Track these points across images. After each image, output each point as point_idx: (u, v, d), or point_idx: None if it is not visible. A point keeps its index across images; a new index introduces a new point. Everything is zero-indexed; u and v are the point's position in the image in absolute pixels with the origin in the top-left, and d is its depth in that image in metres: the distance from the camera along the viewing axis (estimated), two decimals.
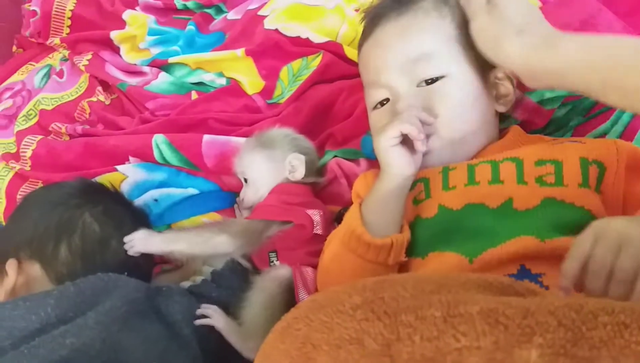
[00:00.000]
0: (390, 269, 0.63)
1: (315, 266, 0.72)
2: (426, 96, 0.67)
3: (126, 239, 0.75)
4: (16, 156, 0.98)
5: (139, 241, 0.75)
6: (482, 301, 0.39)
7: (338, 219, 0.77)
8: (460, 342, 0.37)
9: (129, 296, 0.68)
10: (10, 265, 0.70)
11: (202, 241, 0.74)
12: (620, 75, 0.50)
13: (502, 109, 0.71)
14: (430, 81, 0.67)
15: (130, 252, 0.74)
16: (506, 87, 0.70)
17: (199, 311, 0.72)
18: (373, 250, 0.61)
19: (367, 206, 0.65)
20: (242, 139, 0.88)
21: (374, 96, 0.73)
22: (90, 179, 0.85)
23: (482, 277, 0.44)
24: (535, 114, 0.78)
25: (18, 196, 0.94)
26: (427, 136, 0.65)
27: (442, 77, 0.67)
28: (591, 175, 0.61)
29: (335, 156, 0.86)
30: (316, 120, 0.91)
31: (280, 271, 0.72)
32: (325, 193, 0.84)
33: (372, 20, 0.74)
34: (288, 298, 0.71)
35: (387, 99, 0.71)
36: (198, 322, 0.71)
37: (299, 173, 0.80)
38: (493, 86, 0.70)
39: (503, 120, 0.76)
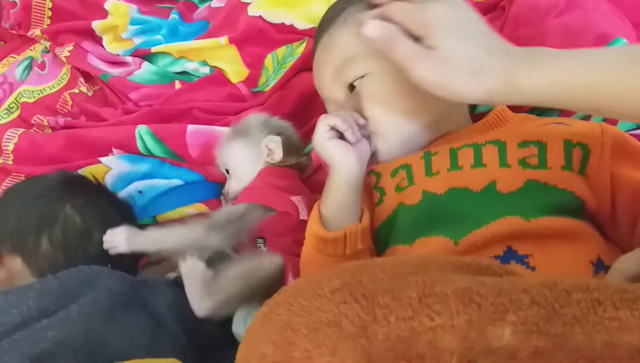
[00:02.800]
0: (351, 259, 0.62)
1: (299, 254, 0.72)
2: (355, 99, 0.68)
3: (106, 238, 0.72)
4: None
5: (121, 242, 0.72)
6: (457, 281, 0.39)
7: None
8: (434, 321, 0.36)
9: (113, 288, 0.67)
10: None
11: (187, 238, 0.74)
12: (583, 100, 0.49)
13: None
14: (358, 82, 0.68)
15: (112, 252, 0.72)
16: None
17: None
18: (329, 243, 0.62)
19: (323, 203, 0.66)
20: (225, 129, 0.87)
21: (329, 110, 0.75)
22: (72, 172, 0.84)
23: (460, 259, 0.44)
24: None
25: (0, 191, 0.93)
26: (368, 137, 0.66)
27: (362, 76, 0.67)
28: (575, 158, 0.61)
29: None
30: (302, 108, 0.91)
31: (271, 257, 0.71)
32: (311, 181, 0.84)
33: (313, 44, 0.77)
34: (271, 285, 0.71)
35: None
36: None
37: (277, 155, 0.79)
38: None
39: None
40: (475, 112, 0.76)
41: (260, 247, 0.75)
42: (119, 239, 0.72)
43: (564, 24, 0.79)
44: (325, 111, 0.88)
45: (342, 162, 0.63)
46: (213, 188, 0.88)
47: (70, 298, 0.64)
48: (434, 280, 0.39)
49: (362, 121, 0.66)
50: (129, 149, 0.89)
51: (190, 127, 0.88)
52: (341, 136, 0.65)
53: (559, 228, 0.55)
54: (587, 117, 0.71)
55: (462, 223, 0.57)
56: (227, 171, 0.82)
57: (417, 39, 0.53)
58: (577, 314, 0.33)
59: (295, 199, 0.76)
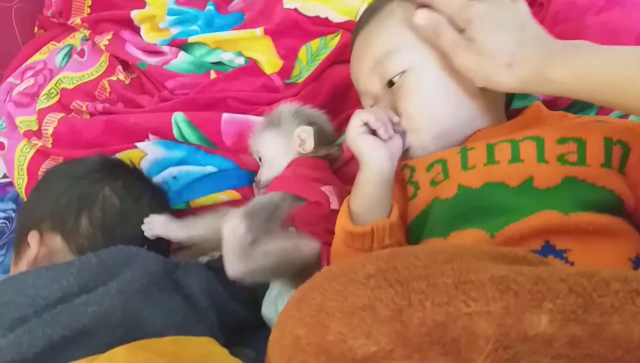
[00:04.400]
0: None
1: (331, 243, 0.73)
2: (393, 96, 0.68)
3: (146, 221, 0.77)
4: (38, 134, 1.00)
5: (159, 225, 0.76)
6: (494, 269, 0.39)
7: None
8: (470, 307, 0.37)
9: (149, 268, 0.69)
10: (33, 237, 0.72)
11: (218, 226, 0.75)
12: (616, 96, 0.51)
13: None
14: (397, 78, 0.68)
15: (148, 234, 0.76)
16: None
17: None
18: (356, 238, 0.62)
19: (352, 197, 0.66)
20: (260, 118, 0.89)
21: (363, 104, 0.76)
22: (110, 156, 0.87)
23: (495, 248, 0.44)
24: None
25: (40, 173, 0.96)
26: (402, 133, 0.67)
27: (403, 72, 0.68)
28: (614, 155, 0.60)
29: None
30: (335, 101, 0.91)
31: (309, 242, 0.72)
32: (342, 173, 0.85)
33: (352, 36, 0.78)
34: (305, 268, 0.71)
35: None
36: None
37: (309, 145, 0.80)
38: None
39: (525, 98, 0.75)
40: (510, 110, 0.76)
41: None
42: (157, 222, 0.76)
43: (604, 22, 0.78)
44: (358, 104, 0.89)
45: (372, 158, 0.64)
46: (245, 175, 0.89)
47: (109, 276, 0.66)
48: (470, 268, 0.40)
49: (396, 119, 0.67)
50: (165, 135, 0.91)
51: (225, 116, 0.89)
52: (374, 132, 0.65)
53: (598, 224, 0.55)
54: (624, 116, 0.71)
55: (499, 216, 0.57)
56: (260, 159, 0.83)
57: (460, 31, 0.59)
58: (615, 304, 0.33)
59: (326, 189, 0.77)
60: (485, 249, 0.44)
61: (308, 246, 0.71)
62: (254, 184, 0.88)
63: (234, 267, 0.69)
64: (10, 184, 1.03)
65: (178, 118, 0.90)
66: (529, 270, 0.37)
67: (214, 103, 0.96)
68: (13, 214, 1.03)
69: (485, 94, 0.68)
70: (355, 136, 0.65)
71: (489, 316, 0.36)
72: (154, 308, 0.66)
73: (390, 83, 0.69)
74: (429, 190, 0.66)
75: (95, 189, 0.76)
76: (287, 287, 0.72)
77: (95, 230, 0.74)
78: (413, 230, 0.67)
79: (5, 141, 1.02)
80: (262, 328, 0.74)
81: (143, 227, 0.76)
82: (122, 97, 1.03)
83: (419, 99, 0.67)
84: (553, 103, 0.77)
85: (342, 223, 0.64)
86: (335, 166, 0.85)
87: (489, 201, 0.59)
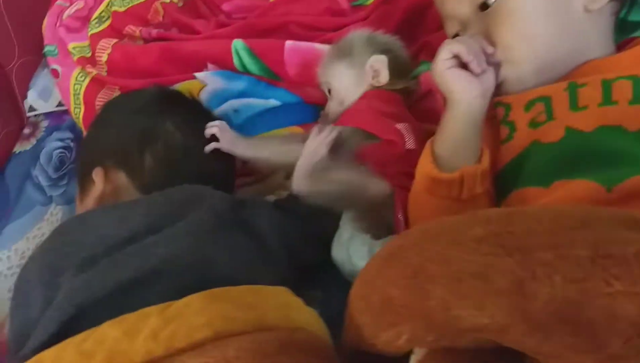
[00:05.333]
0: (468, 204, 0.58)
1: (405, 187, 0.68)
2: (486, 21, 0.62)
3: (215, 129, 0.73)
4: (92, 61, 0.96)
5: (225, 138, 0.73)
6: (636, 242, 0.34)
7: None
8: (613, 286, 0.32)
9: (216, 207, 0.66)
10: (97, 173, 0.70)
11: (286, 151, 0.71)
12: None
13: (594, 5, 0.60)
14: (493, 0, 0.60)
15: (209, 147, 0.73)
16: None
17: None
18: (442, 185, 0.57)
19: (436, 140, 0.60)
20: (326, 47, 0.81)
21: (447, 30, 0.69)
22: (169, 87, 0.82)
23: (629, 213, 0.38)
24: None
25: (96, 102, 0.92)
26: (497, 65, 0.60)
27: None
28: None
29: None
30: (409, 26, 0.83)
31: (378, 183, 0.66)
32: (418, 108, 0.77)
33: None
34: (372, 210, 0.67)
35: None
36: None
37: (383, 76, 0.73)
38: None
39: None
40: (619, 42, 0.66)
41: None
42: (226, 134, 0.73)
43: None
44: (435, 29, 0.81)
45: (462, 95, 0.57)
46: (311, 110, 0.83)
47: (177, 216, 0.63)
48: (607, 239, 0.35)
49: (490, 49, 0.59)
50: (225, 65, 0.85)
51: (289, 44, 0.83)
52: (464, 65, 0.58)
53: None
54: None
55: (617, 166, 0.50)
56: (329, 91, 0.77)
57: None
58: None
59: (402, 126, 0.70)
60: (619, 214, 0.38)
61: (376, 186, 0.66)
62: (320, 119, 0.83)
63: (300, 182, 0.67)
64: (66, 112, 1.01)
65: (238, 46, 0.84)
66: None
67: (275, 29, 0.89)
68: (71, 144, 1.00)
69: (593, 19, 0.60)
70: (443, 70, 0.58)
71: (636, 298, 0.31)
72: (223, 249, 0.64)
73: (484, 6, 0.62)
74: (528, 132, 0.59)
75: (157, 124, 0.73)
76: (359, 230, 0.68)
77: (159, 166, 0.71)
78: (504, 178, 0.61)
79: (59, 68, 0.99)
80: (329, 269, 0.72)
81: (206, 132, 0.73)
82: (177, 22, 0.97)
83: (519, 26, 0.60)
84: None
85: (425, 169, 0.59)
86: (409, 101, 0.78)
87: (603, 147, 0.53)
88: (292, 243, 0.69)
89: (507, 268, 0.36)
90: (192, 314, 0.48)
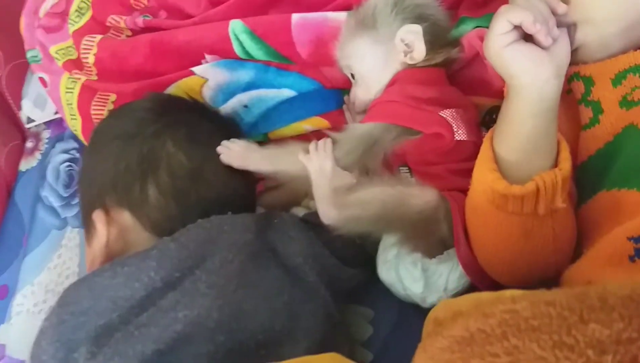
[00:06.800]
0: (545, 220, 0.47)
1: (460, 189, 0.56)
2: None
3: (220, 149, 0.63)
4: (78, 64, 0.84)
5: (237, 155, 0.63)
6: None
7: (485, 122, 0.58)
8: None
9: (239, 241, 0.58)
10: (98, 218, 0.60)
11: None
12: None
13: None
14: None
15: (224, 161, 0.63)
16: None
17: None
18: (513, 201, 0.46)
19: (498, 138, 0.48)
20: (342, 15, 0.67)
21: None
22: (163, 95, 0.71)
23: None
24: None
25: (92, 112, 0.82)
26: (571, 27, 0.48)
27: None
28: None
29: (478, 27, 0.62)
30: None
31: (424, 191, 0.55)
32: (462, 78, 0.63)
33: None
34: (421, 224, 0.56)
35: None
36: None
37: (419, 52, 0.59)
38: None
39: None
40: None
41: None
42: (234, 151, 0.63)
43: None
44: None
45: (529, 79, 0.45)
46: (333, 96, 0.71)
47: (195, 261, 0.56)
48: None
49: (561, 8, 0.46)
50: (225, 53, 0.73)
51: (295, 18, 0.69)
52: (528, 37, 0.45)
53: None
54: None
55: None
56: (352, 76, 0.64)
57: None
58: None
59: (447, 114, 0.58)
60: None
61: (420, 198, 0.54)
62: (344, 106, 0.70)
63: (327, 214, 0.58)
64: None
65: (237, 29, 0.71)
66: None
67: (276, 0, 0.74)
68: (77, 154, 0.93)
69: None
70: (500, 48, 0.45)
71: None
72: (255, 294, 0.56)
73: None
74: (619, 113, 0.47)
75: (156, 147, 0.62)
76: (406, 249, 0.57)
77: (166, 198, 0.61)
78: (587, 173, 0.49)
79: (45, 76, 0.88)
80: (377, 283, 0.63)
81: (220, 155, 0.63)
82: (164, 4, 0.83)
83: None
84: None
85: (486, 179, 0.47)
86: (450, 69, 0.64)
87: None
88: (331, 271, 0.60)
89: None
90: None
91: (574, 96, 0.50)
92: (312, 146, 0.59)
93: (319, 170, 0.58)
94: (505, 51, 0.45)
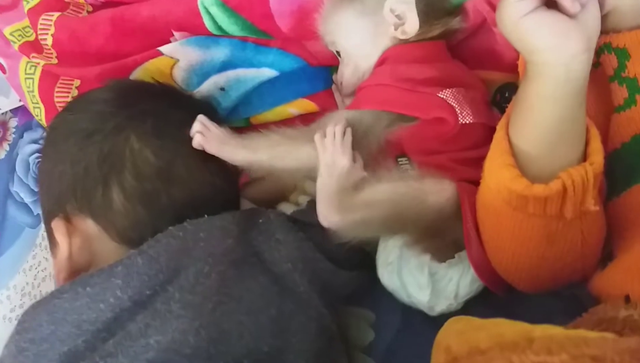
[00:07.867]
0: (573, 224, 0.40)
1: (468, 179, 0.48)
2: None
3: (195, 129, 0.56)
4: (37, 46, 0.76)
5: (213, 141, 0.55)
6: None
7: (497, 101, 0.50)
8: None
9: (218, 249, 0.51)
10: (57, 229, 0.53)
11: (285, 153, 0.53)
12: None
13: None
14: None
15: (195, 145, 0.55)
16: None
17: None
18: (535, 203, 0.39)
19: (517, 128, 0.41)
20: None
21: None
22: (125, 81, 0.64)
23: None
24: None
25: (56, 100, 0.74)
26: None
27: None
28: None
29: None
30: None
31: (438, 185, 0.48)
32: (467, 50, 0.55)
33: None
34: (434, 220, 0.49)
35: None
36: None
37: (411, 25, 0.51)
38: None
39: None
40: None
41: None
42: (212, 134, 0.55)
43: None
44: None
45: (555, 54, 0.37)
46: (319, 74, 0.63)
47: (166, 276, 0.49)
48: None
49: None
50: (195, 29, 0.64)
51: None
52: (550, 4, 0.37)
53: None
54: None
55: None
56: (338, 53, 0.55)
57: None
58: None
59: (448, 94, 0.50)
60: None
61: (440, 193, 0.47)
62: (333, 85, 0.62)
63: (327, 219, 0.50)
64: None
65: (206, 1, 0.62)
66: None
67: None
68: None
69: None
70: (518, 17, 0.37)
71: None
72: (236, 309, 0.50)
73: None
74: None
75: (118, 144, 0.54)
76: (410, 249, 0.50)
77: (133, 203, 0.54)
78: (621, 163, 0.41)
79: (3, 61, 0.80)
80: (378, 282, 0.56)
81: (193, 142, 0.55)
82: None
83: None
84: None
85: (503, 177, 0.40)
86: (452, 40, 0.55)
87: None
88: (325, 278, 0.54)
89: None
90: None
91: (605, 71, 0.42)
92: (329, 130, 0.50)
93: (331, 164, 0.50)
94: (524, 20, 0.37)
